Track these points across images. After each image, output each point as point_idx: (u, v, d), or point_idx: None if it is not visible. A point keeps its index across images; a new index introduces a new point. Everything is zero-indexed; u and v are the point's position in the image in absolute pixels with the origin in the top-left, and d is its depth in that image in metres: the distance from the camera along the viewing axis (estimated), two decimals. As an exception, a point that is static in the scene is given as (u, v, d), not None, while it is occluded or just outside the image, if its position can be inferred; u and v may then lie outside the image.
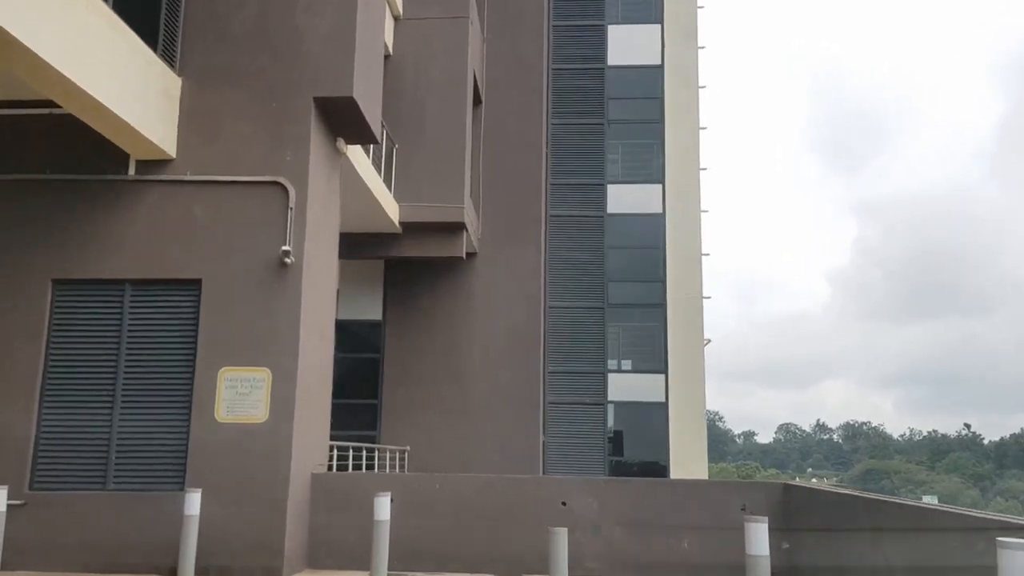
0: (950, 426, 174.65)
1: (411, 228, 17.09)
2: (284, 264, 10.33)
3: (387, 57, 17.02)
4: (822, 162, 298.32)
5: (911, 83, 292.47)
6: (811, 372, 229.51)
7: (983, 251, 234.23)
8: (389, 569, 9.10)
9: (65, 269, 10.51)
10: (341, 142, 11.99)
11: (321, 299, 11.27)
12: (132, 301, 10.50)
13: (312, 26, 10.99)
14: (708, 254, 24.09)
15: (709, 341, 23.81)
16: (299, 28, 11.00)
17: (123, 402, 10.23)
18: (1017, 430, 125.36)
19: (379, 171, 15.53)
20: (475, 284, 18.96)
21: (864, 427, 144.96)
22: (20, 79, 8.68)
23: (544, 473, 18.81)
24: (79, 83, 8.56)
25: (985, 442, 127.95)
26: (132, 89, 9.72)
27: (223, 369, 10.16)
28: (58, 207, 10.59)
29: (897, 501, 7.26)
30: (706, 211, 23.84)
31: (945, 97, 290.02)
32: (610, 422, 21.72)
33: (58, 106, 9.56)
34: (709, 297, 24.25)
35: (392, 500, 9.28)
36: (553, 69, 22.38)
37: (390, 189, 16.45)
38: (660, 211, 22.71)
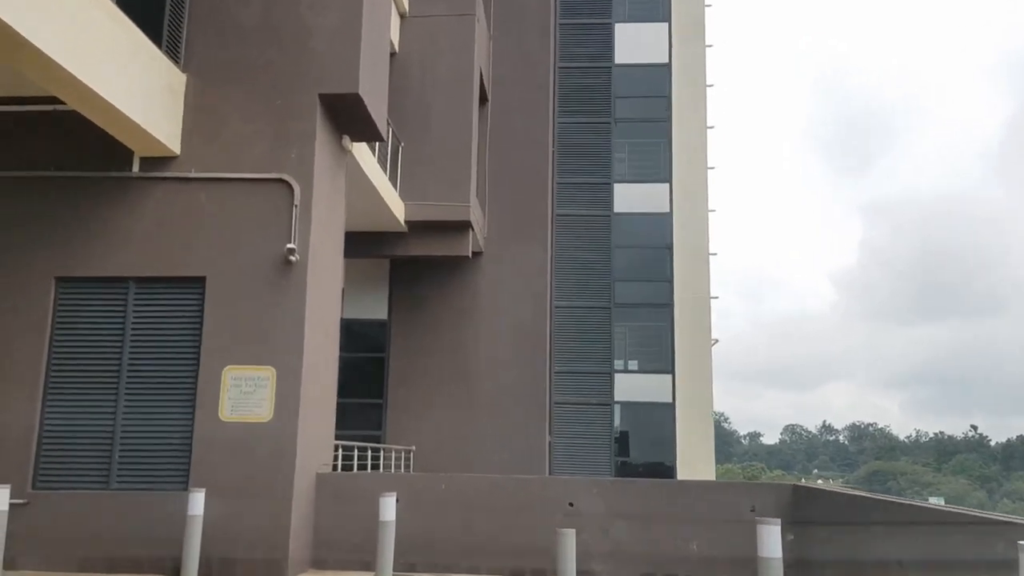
0: (957, 427, 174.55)
1: (417, 227, 17.00)
2: (289, 262, 10.25)
3: (393, 55, 16.94)
4: (829, 161, 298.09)
5: (918, 81, 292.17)
6: (817, 373, 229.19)
7: (990, 251, 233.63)
8: (394, 570, 9.00)
9: (68, 266, 10.45)
10: (347, 139, 11.91)
11: (326, 297, 11.18)
12: (136, 299, 10.42)
13: (318, 22, 10.91)
14: (716, 253, 24.03)
15: (717, 341, 23.69)
16: (305, 24, 10.91)
17: (126, 401, 10.16)
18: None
19: (385, 169, 15.46)
20: (481, 283, 18.87)
21: (870, 428, 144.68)
22: (23, 74, 8.62)
23: (550, 474, 18.70)
24: (81, 78, 8.49)
25: (992, 444, 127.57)
26: (136, 85, 9.64)
27: (227, 367, 10.08)
28: (62, 204, 10.53)
29: (914, 503, 7.15)
30: (713, 210, 23.71)
31: (952, 96, 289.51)
32: (616, 422, 21.62)
33: (62, 103, 9.50)
34: (717, 297, 24.20)
35: (398, 500, 9.18)
36: (560, 67, 22.25)
37: (396, 187, 16.37)
38: (667, 210, 22.61)
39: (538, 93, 20.06)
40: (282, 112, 10.72)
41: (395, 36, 16.95)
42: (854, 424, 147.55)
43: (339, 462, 12.64)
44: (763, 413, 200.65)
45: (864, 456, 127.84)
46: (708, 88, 24.55)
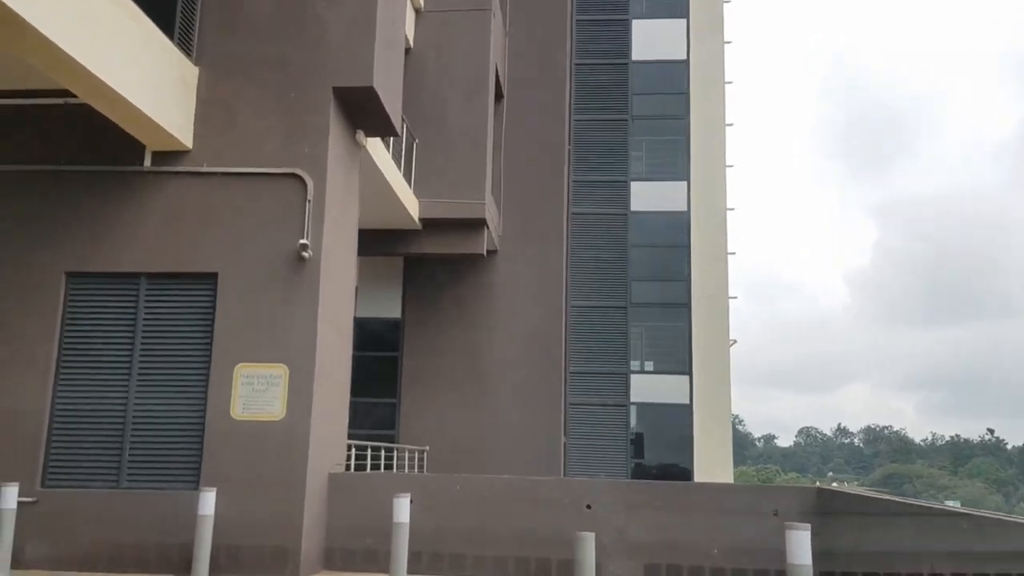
0: (973, 431, 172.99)
1: (431, 224, 16.82)
2: (302, 258, 10.07)
3: (408, 51, 16.75)
4: (841, 160, 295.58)
5: (932, 80, 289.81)
6: (832, 375, 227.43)
7: (1006, 253, 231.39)
8: (408, 572, 8.81)
9: (79, 262, 10.31)
10: (361, 134, 11.73)
11: (339, 294, 11.01)
12: (147, 295, 10.28)
13: (332, 15, 10.74)
14: (734, 253, 23.66)
15: (735, 342, 23.39)
16: (319, 17, 10.75)
17: (137, 399, 10.02)
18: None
19: (399, 166, 15.28)
20: (496, 282, 18.67)
21: (885, 431, 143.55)
22: (34, 66, 8.50)
23: (565, 475, 18.49)
24: (90, 68, 8.34)
25: (1008, 447, 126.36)
26: (147, 77, 9.49)
27: (239, 365, 9.91)
28: (73, 199, 10.40)
29: (947, 508, 6.89)
30: (732, 209, 23.40)
31: (967, 95, 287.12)
32: (632, 424, 21.37)
33: (74, 96, 9.39)
34: (735, 297, 23.88)
35: (412, 501, 8.98)
36: (576, 64, 22.04)
37: (410, 184, 16.20)
38: (685, 209, 22.37)
39: (554, 90, 19.86)
40: (295, 106, 10.55)
41: (410, 32, 16.77)
42: (869, 427, 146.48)
43: (352, 462, 12.47)
44: (777, 415, 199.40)
45: (879, 459, 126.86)
46: (726, 85, 24.29)
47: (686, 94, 23.03)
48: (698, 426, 21.35)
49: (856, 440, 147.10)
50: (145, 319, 10.21)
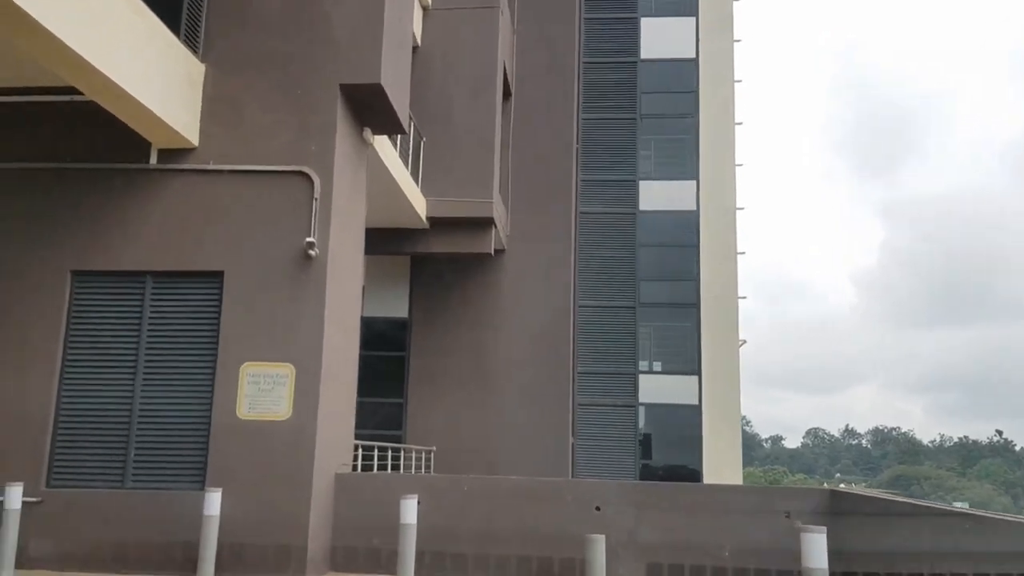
0: (981, 432, 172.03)
1: (439, 223, 16.72)
2: (308, 256, 9.98)
3: (415, 49, 16.67)
4: (848, 159, 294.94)
5: (940, 80, 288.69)
6: (839, 376, 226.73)
7: (1014, 253, 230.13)
8: (416, 574, 8.70)
9: (85, 260, 10.24)
10: (368, 132, 11.64)
11: (346, 293, 10.91)
12: (153, 294, 10.20)
13: (339, 11, 10.64)
14: (743, 252, 23.52)
15: (744, 342, 23.23)
16: (326, 13, 10.65)
17: (143, 398, 9.93)
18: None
19: (406, 165, 15.18)
20: (503, 281, 18.56)
21: (893, 432, 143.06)
22: (38, 63, 8.44)
23: (573, 476, 18.37)
24: (97, 65, 8.26)
25: (1017, 448, 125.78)
26: (153, 73, 9.41)
27: (245, 364, 9.82)
28: (78, 197, 10.32)
29: (967, 511, 6.75)
30: (741, 208, 23.25)
31: (975, 95, 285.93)
32: (641, 424, 21.23)
33: (79, 93, 9.31)
34: (745, 297, 23.72)
35: (419, 502, 8.88)
36: (584, 62, 21.88)
37: (417, 183, 16.10)
38: (694, 208, 22.20)
39: (562, 88, 19.74)
40: (302, 103, 10.46)
41: (417, 30, 16.68)
42: (877, 428, 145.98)
43: (359, 462, 12.37)
44: (785, 416, 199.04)
45: (887, 460, 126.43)
46: (736, 83, 24.14)
47: (695, 92, 22.87)
48: (707, 427, 21.19)
49: (864, 441, 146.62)
50: (151, 318, 10.13)
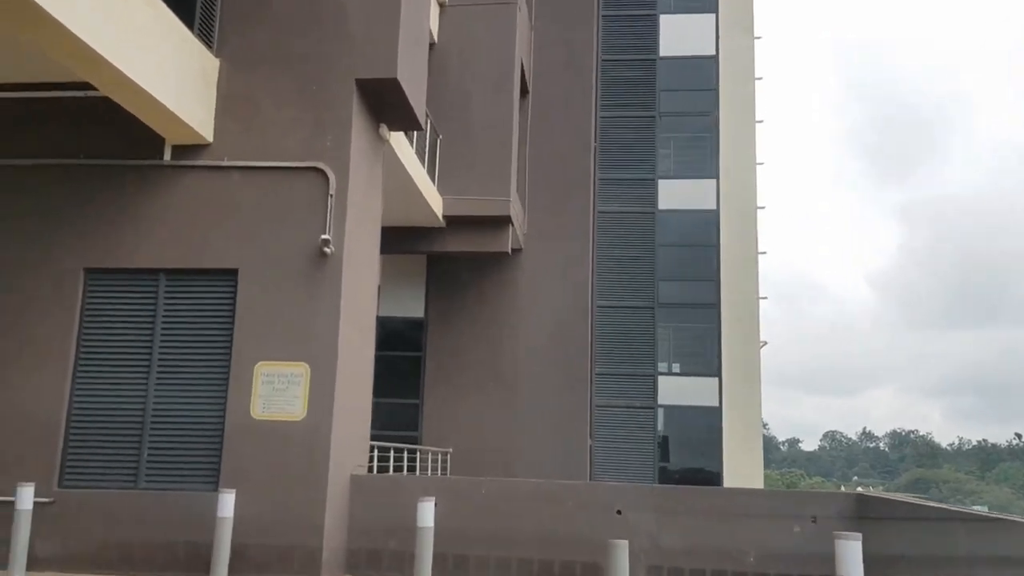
0: (1000, 435, 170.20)
1: (455, 222, 16.56)
2: (324, 254, 9.81)
3: (431, 46, 16.50)
4: (865, 159, 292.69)
5: (959, 79, 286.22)
6: (856, 378, 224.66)
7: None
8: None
9: (98, 258, 10.11)
10: (384, 128, 11.47)
11: (362, 292, 10.74)
12: (167, 292, 10.06)
13: (355, 5, 10.49)
14: (765, 252, 23.16)
15: (765, 343, 22.90)
16: (341, 7, 10.50)
17: (156, 397, 9.80)
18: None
19: (423, 163, 15.02)
20: (520, 281, 18.37)
21: (911, 435, 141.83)
22: (52, 59, 8.31)
23: (591, 478, 18.14)
24: (111, 59, 8.15)
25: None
26: (167, 68, 9.27)
27: (259, 363, 9.67)
28: (91, 193, 10.21)
29: (1003, 516, 6.49)
30: (762, 207, 22.91)
31: (996, 96, 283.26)
32: (660, 426, 20.96)
33: (93, 89, 9.20)
34: (766, 297, 23.41)
35: (436, 505, 8.68)
36: (603, 60, 21.68)
37: (434, 181, 15.93)
38: (714, 207, 21.91)
39: (580, 86, 19.54)
40: (318, 99, 10.31)
41: (434, 26, 16.51)
42: (895, 431, 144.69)
43: (374, 463, 12.20)
44: (802, 419, 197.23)
45: (905, 463, 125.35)
46: (757, 81, 23.82)
47: (715, 90, 22.58)
48: (727, 429, 20.89)
49: (882, 444, 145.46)
50: (164, 316, 9.99)
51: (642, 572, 9.15)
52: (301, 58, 10.42)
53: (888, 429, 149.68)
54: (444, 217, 16.38)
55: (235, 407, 9.58)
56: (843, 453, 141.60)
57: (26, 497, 8.74)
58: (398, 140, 12.53)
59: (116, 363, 9.93)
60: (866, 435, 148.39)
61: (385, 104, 10.95)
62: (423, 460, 15.92)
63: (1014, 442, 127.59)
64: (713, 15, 22.89)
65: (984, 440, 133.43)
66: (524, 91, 18.90)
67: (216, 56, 10.42)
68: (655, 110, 22.35)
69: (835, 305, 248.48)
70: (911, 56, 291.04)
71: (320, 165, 10.08)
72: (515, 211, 17.09)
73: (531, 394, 17.71)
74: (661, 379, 21.16)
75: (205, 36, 10.32)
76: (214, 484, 9.40)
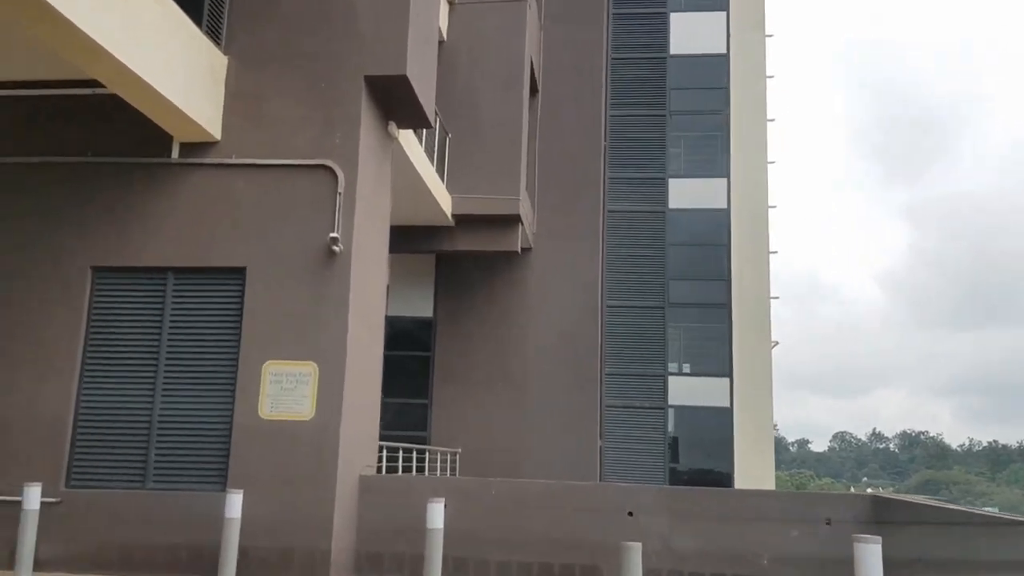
0: (1011, 436, 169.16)
1: (464, 221, 16.47)
2: (332, 252, 9.72)
3: (441, 43, 16.41)
4: (875, 160, 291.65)
5: (968, 78, 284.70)
6: (865, 378, 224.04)
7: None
8: (441, 579, 8.41)
9: (105, 256, 10.05)
10: (393, 126, 11.39)
11: (371, 290, 10.65)
12: (175, 290, 10.00)
13: (364, 3, 10.40)
14: (776, 252, 22.95)
15: (776, 343, 22.71)
16: (350, 5, 10.41)
17: (163, 397, 9.73)
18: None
19: (432, 161, 14.93)
20: (530, 280, 18.28)
21: (921, 436, 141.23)
22: (57, 54, 8.26)
23: (600, 479, 18.02)
24: (118, 56, 8.07)
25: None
26: (175, 65, 9.20)
27: (268, 363, 9.59)
28: (99, 191, 10.15)
29: (1010, 517, 6.36)
30: (774, 206, 22.72)
31: (1007, 95, 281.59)
32: (670, 427, 20.81)
33: (102, 87, 9.13)
34: (777, 297, 23.18)
35: (445, 506, 8.58)
36: (613, 58, 21.52)
37: (443, 180, 15.84)
38: (725, 206, 21.73)
39: (590, 84, 19.43)
40: (326, 96, 10.23)
41: (443, 24, 16.43)
42: (905, 432, 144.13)
43: (383, 464, 12.11)
44: (811, 419, 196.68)
45: (915, 464, 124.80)
46: (768, 79, 23.63)
47: (726, 89, 22.40)
48: (739, 430, 20.72)
49: (891, 445, 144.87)
50: (172, 315, 9.93)
51: (652, 573, 9.02)
52: (310, 56, 10.34)
53: (898, 430, 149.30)
54: (453, 216, 16.29)
55: (243, 407, 9.50)
56: (853, 454, 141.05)
57: (33, 497, 8.68)
58: (407, 138, 12.44)
59: (123, 362, 9.87)
60: (876, 436, 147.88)
61: (394, 102, 10.87)
62: (432, 460, 15.83)
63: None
64: (724, 13, 22.69)
65: (994, 441, 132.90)
66: (534, 89, 18.81)
67: (224, 53, 10.35)
68: (666, 108, 22.18)
69: (844, 305, 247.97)
70: (920, 56, 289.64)
71: (329, 163, 10.00)
72: (524, 210, 16.99)
73: (540, 394, 17.61)
74: (671, 379, 20.99)
75: (213, 33, 10.25)
76: (222, 484, 9.32)
